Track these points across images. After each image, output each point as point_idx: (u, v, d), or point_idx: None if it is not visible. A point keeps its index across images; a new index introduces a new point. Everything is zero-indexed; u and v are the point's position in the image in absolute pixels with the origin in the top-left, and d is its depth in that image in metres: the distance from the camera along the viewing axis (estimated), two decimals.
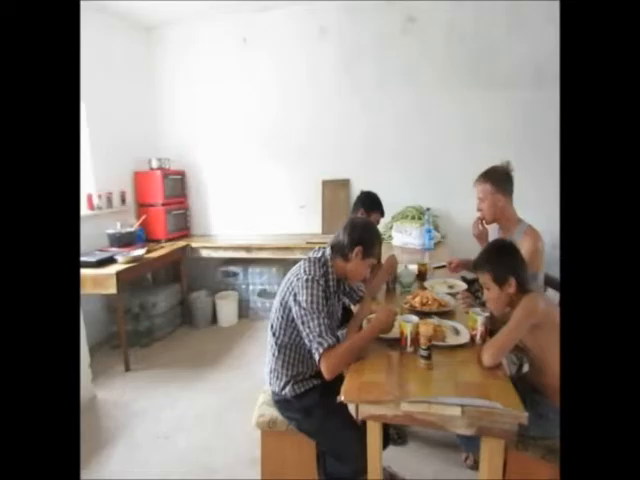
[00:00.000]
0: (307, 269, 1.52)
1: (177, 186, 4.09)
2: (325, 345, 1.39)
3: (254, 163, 4.09)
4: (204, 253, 3.88)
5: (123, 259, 3.07)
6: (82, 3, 3.16)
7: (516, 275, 1.42)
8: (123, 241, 3.42)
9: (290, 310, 1.52)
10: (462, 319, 1.68)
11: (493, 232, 2.06)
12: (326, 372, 1.39)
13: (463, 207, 3.24)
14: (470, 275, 2.31)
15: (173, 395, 2.73)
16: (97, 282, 2.93)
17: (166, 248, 3.66)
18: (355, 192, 3.41)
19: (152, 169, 3.88)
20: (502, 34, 3.36)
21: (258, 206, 4.15)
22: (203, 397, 2.69)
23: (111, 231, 3.42)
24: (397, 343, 1.48)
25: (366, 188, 2.47)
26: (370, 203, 2.35)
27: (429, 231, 3.10)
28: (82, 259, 3.02)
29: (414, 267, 2.26)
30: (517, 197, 1.97)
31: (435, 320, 1.62)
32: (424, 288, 2.08)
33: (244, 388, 2.70)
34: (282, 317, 1.57)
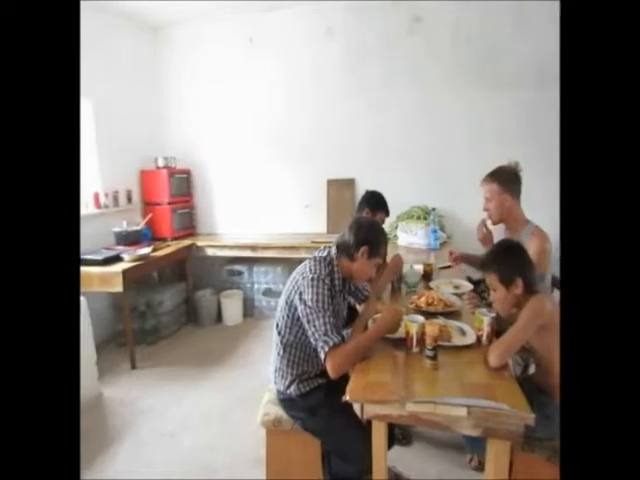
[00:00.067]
0: (313, 268, 1.53)
1: (183, 185, 4.10)
2: (330, 344, 1.39)
3: (260, 162, 4.10)
4: (209, 252, 3.90)
5: (129, 257, 3.09)
6: (89, 3, 3.19)
7: (523, 276, 1.41)
8: (129, 239, 3.44)
9: (296, 309, 1.52)
10: (468, 319, 1.67)
11: (500, 233, 2.05)
12: (331, 371, 1.40)
13: (469, 207, 3.23)
14: (473, 273, 2.31)
15: (179, 393, 2.74)
16: (104, 280, 2.95)
17: (172, 247, 3.68)
18: (360, 192, 3.40)
19: (158, 168, 3.91)
20: (508, 34, 3.34)
21: (263, 205, 4.16)
22: (208, 395, 2.70)
23: (117, 229, 3.44)
24: (403, 343, 1.48)
25: (371, 188, 2.47)
26: (375, 203, 2.34)
27: (435, 231, 3.09)
28: (89, 257, 3.05)
29: (420, 267, 2.26)
30: (523, 197, 1.96)
31: (441, 320, 1.61)
32: (430, 288, 2.07)
33: (249, 387, 2.70)
34: (287, 316, 1.57)
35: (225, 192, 4.26)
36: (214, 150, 4.20)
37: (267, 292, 3.98)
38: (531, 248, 1.67)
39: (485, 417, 1.14)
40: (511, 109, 3.41)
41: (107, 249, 3.30)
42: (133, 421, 2.46)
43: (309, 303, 1.44)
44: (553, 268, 1.86)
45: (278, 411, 1.65)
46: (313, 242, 3.54)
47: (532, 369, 1.67)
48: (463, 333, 1.56)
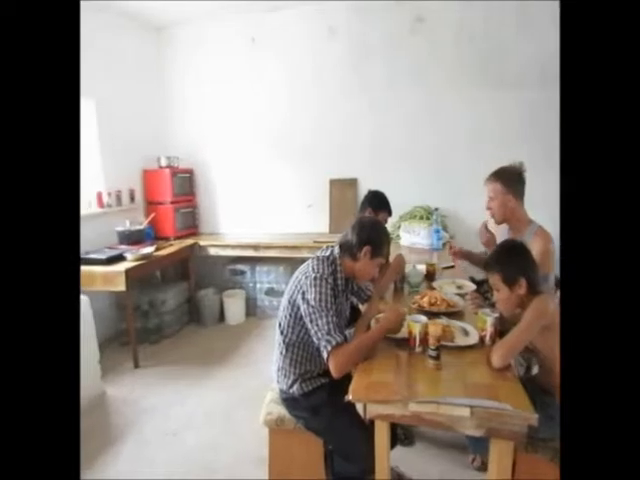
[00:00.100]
0: (316, 267, 1.53)
1: (186, 184, 4.11)
2: (333, 343, 1.39)
3: (262, 162, 4.11)
4: (212, 251, 3.91)
5: (132, 257, 3.10)
6: (93, 3, 3.20)
7: (527, 276, 1.41)
8: (132, 239, 3.45)
9: (298, 308, 1.52)
10: (471, 320, 1.67)
11: (503, 233, 2.04)
12: (334, 370, 1.40)
13: (472, 207, 3.23)
14: (476, 273, 2.31)
15: (182, 392, 2.75)
16: (107, 279, 2.95)
17: (175, 246, 3.68)
18: (363, 191, 3.40)
19: (161, 167, 3.92)
20: (511, 34, 3.34)
21: (266, 205, 4.17)
22: (211, 395, 2.71)
23: (120, 229, 3.45)
24: (405, 343, 1.48)
25: (374, 187, 2.47)
26: (378, 202, 2.35)
27: (437, 231, 3.09)
28: (92, 256, 3.06)
29: (422, 267, 2.26)
30: (526, 197, 1.96)
31: (444, 320, 1.61)
32: (432, 288, 2.07)
33: (252, 386, 2.71)
34: (290, 315, 1.57)
35: (228, 191, 4.26)
36: (217, 150, 4.20)
37: (269, 291, 3.99)
38: (534, 248, 1.66)
39: (488, 417, 1.14)
40: (514, 109, 3.40)
41: (110, 248, 3.31)
42: (136, 420, 2.47)
43: (312, 302, 1.45)
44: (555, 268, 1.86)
45: (281, 410, 1.65)
46: (315, 242, 3.54)
47: (535, 369, 1.67)
48: (466, 333, 1.56)
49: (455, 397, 1.18)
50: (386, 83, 3.66)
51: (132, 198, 3.83)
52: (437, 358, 1.35)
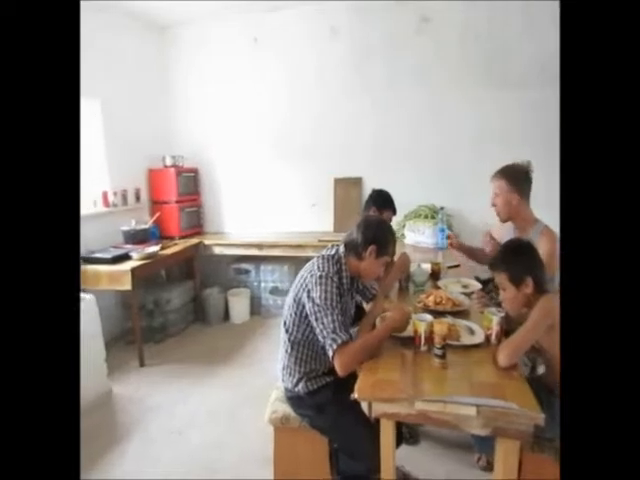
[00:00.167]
0: (321, 266, 1.53)
1: (190, 184, 4.12)
2: (339, 341, 1.39)
3: (266, 161, 4.11)
4: (217, 250, 3.92)
5: (138, 256, 3.12)
6: (97, 3, 3.21)
7: (533, 275, 1.40)
8: (137, 238, 3.46)
9: (303, 307, 1.53)
10: (477, 319, 1.66)
11: (509, 232, 2.03)
12: (339, 368, 1.40)
13: (476, 207, 3.22)
14: (482, 273, 2.30)
15: (187, 391, 2.76)
16: (112, 278, 2.97)
17: (179, 245, 3.70)
18: (367, 190, 3.39)
19: (166, 167, 3.93)
20: (515, 34, 3.32)
21: (270, 204, 4.17)
22: (216, 393, 2.72)
23: (126, 228, 3.47)
24: (411, 342, 1.47)
25: (378, 186, 2.46)
26: (382, 201, 2.34)
27: (442, 230, 3.08)
28: (98, 256, 3.08)
29: (427, 266, 2.25)
30: (530, 198, 1.95)
31: (449, 319, 1.61)
32: (437, 287, 2.07)
33: (256, 385, 2.71)
34: (295, 314, 1.57)
35: (232, 191, 4.27)
36: (221, 149, 4.21)
37: (274, 290, 3.99)
38: (540, 248, 1.65)
39: (494, 416, 1.14)
40: (518, 109, 3.38)
41: (116, 247, 3.32)
42: (142, 418, 2.48)
43: (317, 301, 1.45)
44: None
45: (286, 409, 1.66)
46: (320, 241, 3.54)
47: (541, 369, 1.66)
48: (472, 332, 1.55)
49: (462, 396, 1.17)
50: (389, 83, 3.65)
51: (137, 197, 3.84)
52: (443, 357, 1.35)
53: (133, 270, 2.95)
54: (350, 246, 1.59)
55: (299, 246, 3.65)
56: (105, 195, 3.48)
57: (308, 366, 1.61)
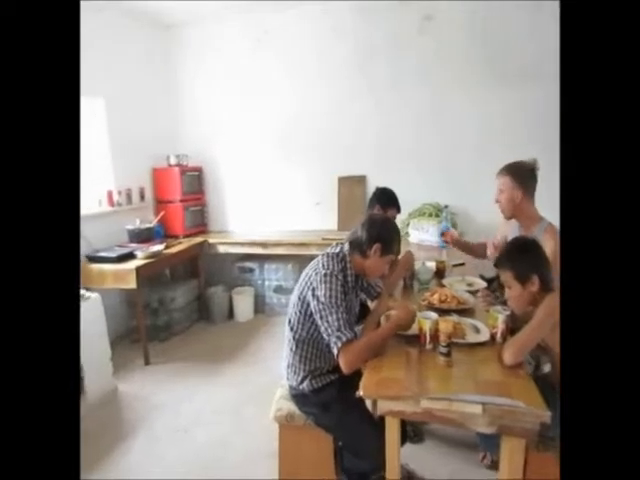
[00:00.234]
0: (325, 264, 1.53)
1: (195, 182, 4.13)
2: (344, 339, 1.39)
3: (270, 160, 4.11)
4: (221, 249, 3.93)
5: (142, 254, 3.13)
6: (102, 3, 3.22)
7: (539, 273, 1.40)
8: (142, 237, 3.48)
9: (308, 305, 1.53)
10: (482, 317, 1.66)
11: (514, 230, 2.02)
12: (344, 366, 1.40)
13: (481, 205, 3.21)
14: (486, 271, 2.29)
15: (192, 389, 2.77)
16: (117, 277, 2.99)
17: (184, 244, 3.71)
18: (371, 189, 3.40)
19: (170, 166, 3.94)
20: (519, 32, 3.30)
21: (274, 202, 4.18)
22: (221, 391, 2.73)
23: (131, 227, 3.48)
24: (416, 340, 1.47)
25: (382, 185, 2.46)
26: (386, 199, 2.34)
27: (447, 229, 3.06)
28: (103, 254, 3.10)
29: (432, 264, 2.25)
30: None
31: (454, 317, 1.60)
32: (442, 285, 2.06)
33: (261, 383, 2.72)
34: (300, 312, 1.57)
35: (236, 189, 4.28)
36: (225, 148, 4.22)
37: (278, 289, 4.00)
38: (545, 246, 1.64)
39: (500, 414, 1.14)
40: (521, 108, 3.36)
41: (121, 246, 3.33)
42: (147, 416, 2.49)
43: (322, 299, 1.45)
44: None
45: (291, 406, 1.66)
46: (324, 239, 3.54)
47: (546, 367, 1.65)
48: (477, 330, 1.55)
49: (468, 394, 1.17)
50: (393, 82, 3.64)
51: (142, 196, 3.85)
52: (448, 355, 1.35)
53: (138, 269, 2.96)
54: (355, 244, 1.59)
55: (303, 244, 3.65)
56: (110, 194, 3.50)
57: (313, 364, 1.61)
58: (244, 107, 4.09)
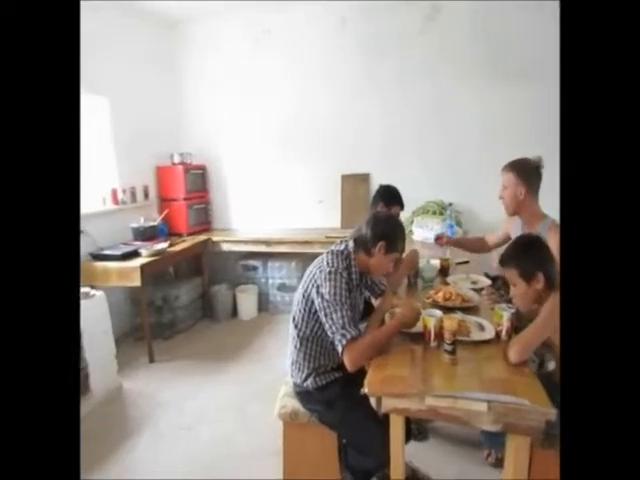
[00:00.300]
0: (330, 261, 1.53)
1: (198, 181, 4.14)
2: (348, 337, 1.39)
3: (274, 158, 4.11)
4: (225, 247, 3.93)
5: (147, 252, 3.14)
6: (103, 2, 3.22)
7: (544, 270, 1.39)
8: (146, 235, 3.49)
9: (312, 302, 1.53)
10: (486, 315, 1.65)
11: (517, 229, 2.01)
12: (349, 364, 1.40)
13: (485, 202, 3.20)
14: (490, 269, 2.29)
15: (196, 387, 2.78)
16: (122, 275, 3.00)
17: (188, 242, 3.72)
18: (375, 187, 3.38)
19: (174, 164, 3.95)
20: (524, 30, 3.27)
21: (277, 200, 4.18)
22: (225, 389, 2.74)
23: (135, 225, 3.49)
24: (420, 337, 1.47)
25: (386, 183, 2.45)
26: (390, 197, 2.33)
27: (451, 226, 3.06)
28: (107, 252, 3.11)
29: (436, 262, 2.24)
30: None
31: (459, 315, 1.60)
32: (446, 283, 2.06)
33: (265, 381, 2.73)
34: (304, 309, 1.57)
35: (240, 187, 4.28)
36: (229, 146, 4.22)
37: (281, 287, 4.00)
38: (549, 244, 1.64)
39: (505, 412, 1.13)
40: (525, 106, 3.34)
41: (125, 244, 3.35)
42: (151, 414, 2.50)
43: (326, 296, 1.45)
44: None
45: (295, 404, 1.66)
46: (327, 237, 3.54)
47: (551, 365, 1.65)
48: (482, 328, 1.55)
49: (473, 392, 1.17)
50: (397, 79, 3.63)
51: (146, 195, 3.87)
52: (453, 353, 1.34)
53: (142, 267, 2.97)
54: (359, 242, 1.59)
55: (306, 242, 3.65)
56: (114, 193, 3.51)
57: (317, 362, 1.61)
58: (248, 105, 4.09)
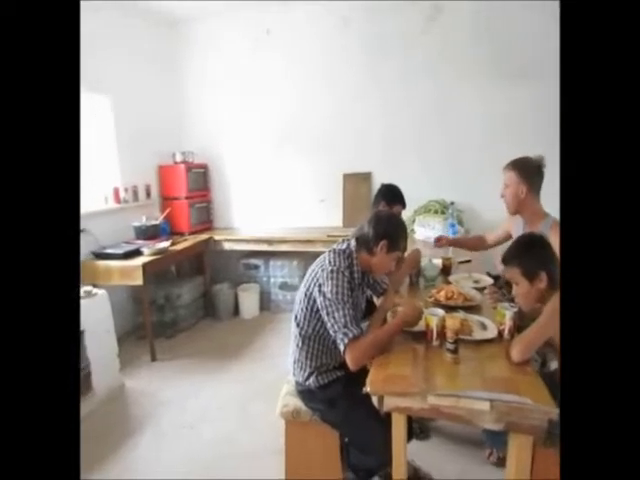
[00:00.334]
0: (332, 260, 1.53)
1: (200, 179, 4.15)
2: (350, 336, 1.39)
3: (275, 157, 4.11)
4: (226, 246, 3.93)
5: (149, 251, 3.14)
6: (103, 2, 3.22)
7: (547, 269, 1.39)
8: (148, 234, 3.49)
9: (315, 301, 1.53)
10: (489, 314, 1.65)
11: (519, 228, 2.01)
12: (351, 363, 1.40)
13: (486, 201, 3.19)
14: (493, 269, 2.28)
15: (198, 385, 2.79)
16: (124, 273, 3.00)
17: (189, 241, 3.72)
18: (377, 186, 3.38)
19: (176, 163, 3.95)
20: (528, 29, 3.26)
21: (279, 199, 4.18)
22: (227, 388, 2.74)
23: (137, 224, 3.50)
24: (422, 336, 1.47)
25: (388, 181, 2.45)
26: (392, 196, 2.33)
27: (453, 225, 3.06)
28: (109, 251, 3.12)
29: (438, 261, 2.24)
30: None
31: (461, 314, 1.60)
32: (449, 282, 2.06)
33: (267, 379, 2.73)
34: (306, 308, 1.57)
35: (242, 186, 4.29)
36: (231, 145, 4.22)
37: (283, 286, 4.00)
38: (553, 243, 1.63)
39: (508, 411, 1.13)
40: (526, 106, 3.34)
41: (127, 243, 3.35)
42: (154, 412, 2.51)
43: (328, 295, 1.45)
44: None
45: (297, 402, 1.66)
46: (329, 236, 3.54)
47: (553, 365, 1.65)
48: (484, 327, 1.54)
49: (475, 391, 1.17)
50: (399, 78, 3.62)
51: (148, 194, 3.87)
52: (455, 352, 1.34)
53: (144, 265, 2.98)
54: (361, 241, 1.59)
55: (308, 241, 3.65)
56: (116, 191, 3.51)
57: (319, 360, 1.61)
58: (249, 105, 4.09)
